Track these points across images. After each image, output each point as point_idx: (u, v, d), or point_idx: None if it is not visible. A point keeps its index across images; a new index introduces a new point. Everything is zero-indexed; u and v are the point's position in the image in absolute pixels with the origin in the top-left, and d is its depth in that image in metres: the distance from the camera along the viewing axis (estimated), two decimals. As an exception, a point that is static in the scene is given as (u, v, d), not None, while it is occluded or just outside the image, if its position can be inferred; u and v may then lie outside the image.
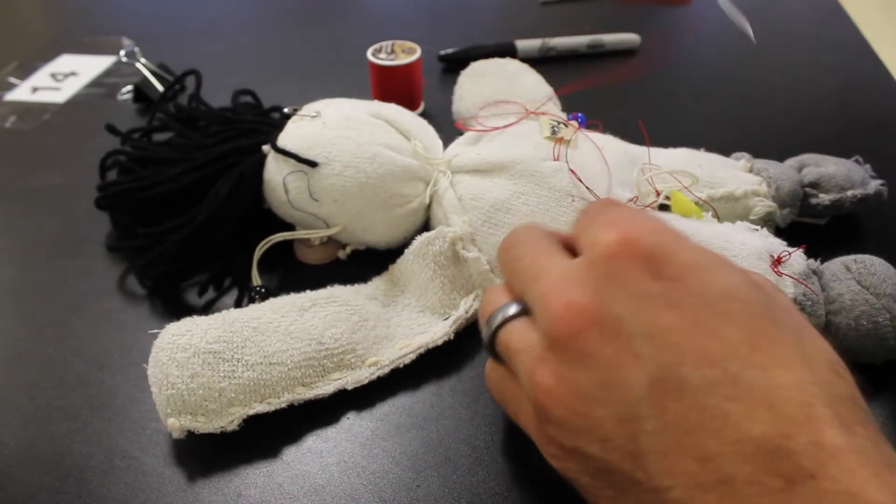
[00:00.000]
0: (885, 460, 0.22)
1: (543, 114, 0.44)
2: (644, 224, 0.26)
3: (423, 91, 0.57)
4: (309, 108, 0.43)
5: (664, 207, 0.38)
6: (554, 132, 0.41)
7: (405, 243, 0.41)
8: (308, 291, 0.37)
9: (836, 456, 0.21)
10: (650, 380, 0.23)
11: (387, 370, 0.35)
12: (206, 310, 0.40)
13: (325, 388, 0.34)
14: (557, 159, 0.39)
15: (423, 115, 0.56)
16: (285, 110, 0.45)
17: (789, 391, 0.22)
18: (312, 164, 0.39)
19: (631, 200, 0.39)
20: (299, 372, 0.34)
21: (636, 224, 0.26)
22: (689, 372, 0.23)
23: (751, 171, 0.43)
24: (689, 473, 0.22)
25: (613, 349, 0.24)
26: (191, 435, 0.32)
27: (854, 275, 0.34)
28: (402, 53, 0.54)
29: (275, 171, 0.41)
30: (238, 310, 0.36)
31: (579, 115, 0.43)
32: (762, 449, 0.21)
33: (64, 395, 0.36)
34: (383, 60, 0.53)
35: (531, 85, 0.51)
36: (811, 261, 0.35)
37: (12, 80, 0.65)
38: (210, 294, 0.41)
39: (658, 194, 0.39)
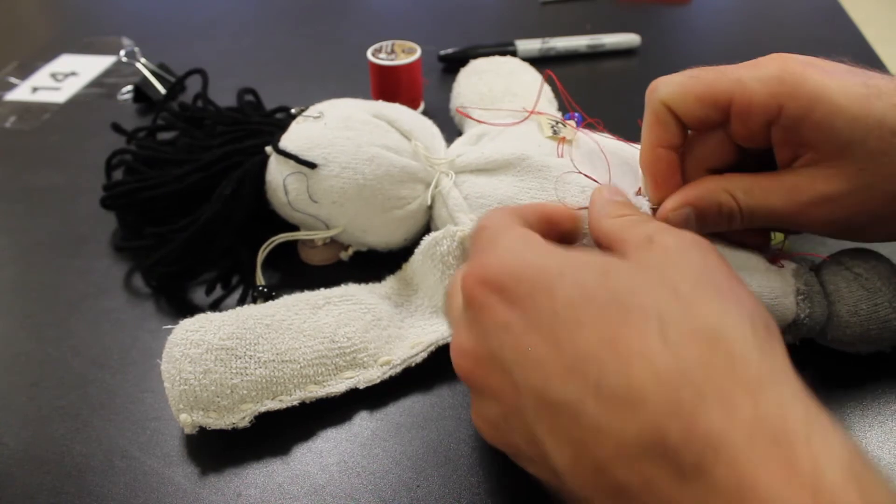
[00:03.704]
0: (770, 433, 0.21)
1: (541, 113, 0.44)
2: (493, 256, 0.27)
3: (423, 91, 0.57)
4: (313, 109, 0.43)
5: None
6: (555, 132, 0.41)
7: (406, 244, 0.41)
8: (322, 289, 0.37)
9: (713, 440, 0.21)
10: (532, 403, 0.24)
11: (399, 369, 0.35)
12: (209, 309, 0.40)
13: (338, 386, 0.34)
14: (561, 157, 0.39)
15: (423, 115, 0.56)
16: (292, 111, 0.45)
17: (649, 384, 0.22)
18: (311, 166, 0.39)
19: (638, 194, 0.39)
20: (311, 370, 0.34)
21: (485, 260, 0.27)
22: (556, 390, 0.23)
23: None
24: (595, 485, 0.23)
25: (498, 382, 0.26)
26: (192, 435, 0.32)
27: (845, 265, 0.35)
28: (402, 53, 0.54)
29: (276, 172, 0.41)
30: (251, 307, 0.36)
31: (576, 114, 0.43)
32: (643, 450, 0.21)
33: (64, 395, 0.36)
34: (383, 60, 0.53)
35: (528, 84, 0.51)
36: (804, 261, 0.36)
37: (12, 80, 0.65)
38: (214, 294, 0.41)
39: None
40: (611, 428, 0.22)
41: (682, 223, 0.34)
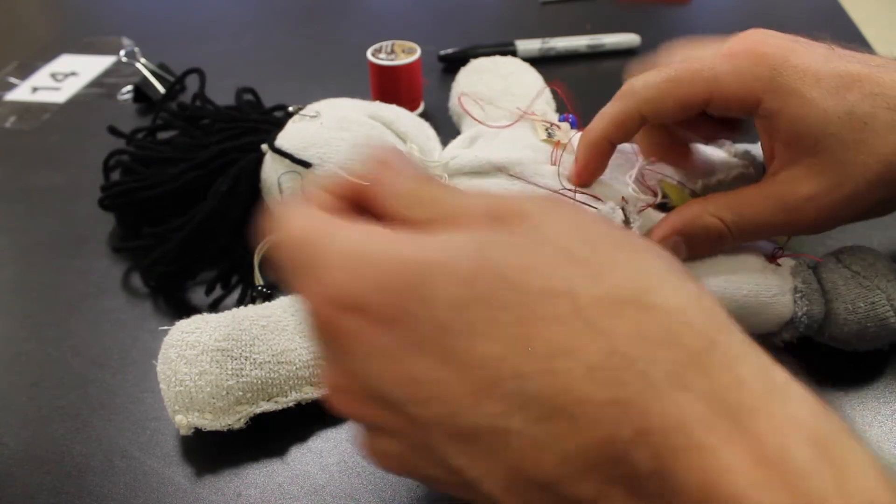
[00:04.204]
0: (729, 413, 0.18)
1: (533, 114, 0.44)
2: (333, 269, 0.21)
3: (423, 91, 0.57)
4: (310, 108, 0.43)
5: (663, 207, 0.38)
6: (550, 135, 0.41)
7: None
8: None
9: (670, 437, 0.17)
10: (440, 437, 0.20)
11: None
12: (208, 309, 0.40)
13: None
14: (555, 163, 0.39)
15: (423, 115, 0.56)
16: (289, 109, 0.45)
17: (582, 383, 0.18)
18: (307, 165, 0.39)
19: (624, 201, 0.39)
20: (307, 371, 0.34)
21: (326, 277, 0.21)
22: (468, 417, 0.19)
23: (735, 156, 0.44)
24: (543, 503, 0.19)
25: (389, 418, 0.21)
26: (191, 435, 0.32)
27: (844, 263, 0.35)
28: (402, 53, 0.54)
29: (271, 170, 0.41)
30: (247, 308, 0.36)
31: (570, 116, 0.43)
32: (592, 464, 0.18)
33: (64, 395, 0.36)
34: (383, 60, 0.53)
35: (527, 84, 0.51)
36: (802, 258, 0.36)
37: (12, 80, 0.65)
38: (213, 294, 0.41)
39: (655, 195, 0.39)
40: (548, 445, 0.18)
41: (670, 251, 0.34)
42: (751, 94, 0.32)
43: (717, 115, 0.35)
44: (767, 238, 0.36)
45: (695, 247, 0.35)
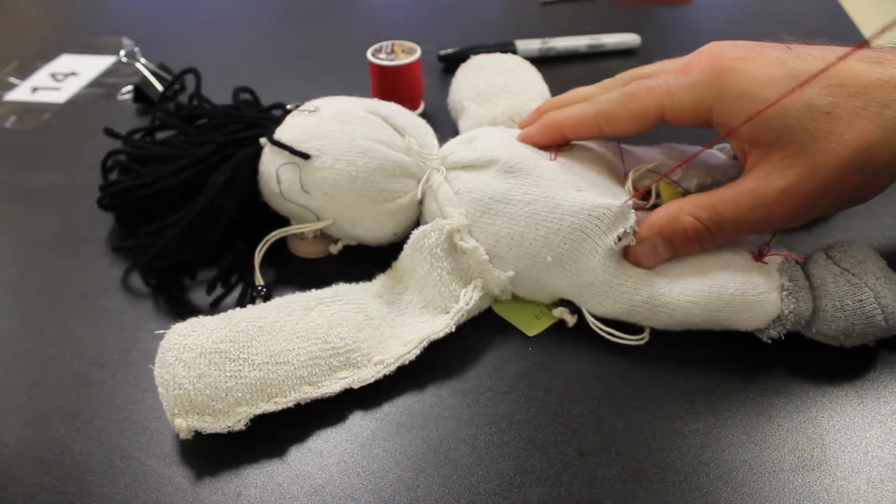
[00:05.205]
0: None
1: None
2: None
3: (423, 91, 0.57)
4: (309, 104, 0.43)
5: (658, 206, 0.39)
6: None
7: (396, 240, 0.41)
8: (313, 290, 0.37)
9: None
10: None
11: (393, 368, 0.35)
12: (209, 309, 0.40)
13: (332, 387, 0.34)
14: (554, 159, 0.39)
15: (423, 115, 0.56)
16: (288, 107, 0.45)
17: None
18: (305, 157, 0.39)
19: (628, 200, 0.39)
20: (305, 371, 0.34)
21: None
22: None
23: (732, 157, 0.44)
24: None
25: None
26: (192, 435, 0.32)
27: (834, 259, 0.35)
28: (402, 53, 0.54)
29: (269, 162, 0.41)
30: (244, 309, 0.36)
31: None
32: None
33: (64, 395, 0.36)
34: (383, 60, 0.53)
35: (525, 82, 0.51)
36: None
37: (12, 80, 0.65)
38: (214, 294, 0.41)
39: (648, 197, 0.39)
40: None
41: (650, 252, 0.36)
42: (702, 104, 0.34)
43: (677, 126, 0.36)
44: (749, 234, 0.36)
45: (676, 247, 0.35)
